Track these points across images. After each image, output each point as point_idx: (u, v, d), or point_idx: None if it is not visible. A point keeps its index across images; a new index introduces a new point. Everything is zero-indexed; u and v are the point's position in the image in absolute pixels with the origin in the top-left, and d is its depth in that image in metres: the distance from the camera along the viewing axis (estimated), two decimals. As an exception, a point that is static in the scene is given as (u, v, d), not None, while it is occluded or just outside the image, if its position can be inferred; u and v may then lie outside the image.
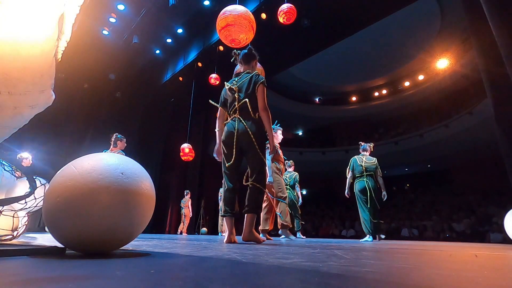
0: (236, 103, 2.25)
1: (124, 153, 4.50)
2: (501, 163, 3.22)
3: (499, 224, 7.62)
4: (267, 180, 3.87)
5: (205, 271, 0.61)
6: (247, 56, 2.44)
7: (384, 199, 4.57)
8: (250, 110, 2.21)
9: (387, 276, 0.60)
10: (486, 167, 12.07)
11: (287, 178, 5.73)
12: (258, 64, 5.22)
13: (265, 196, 4.06)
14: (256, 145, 2.16)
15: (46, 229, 3.93)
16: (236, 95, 2.26)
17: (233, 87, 2.30)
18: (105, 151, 4.43)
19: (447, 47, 12.00)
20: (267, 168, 3.87)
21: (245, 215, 2.17)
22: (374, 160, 4.75)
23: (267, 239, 3.90)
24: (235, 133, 2.19)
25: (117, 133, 4.64)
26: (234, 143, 2.19)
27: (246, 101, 2.22)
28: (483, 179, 12.15)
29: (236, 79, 2.36)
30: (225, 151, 2.26)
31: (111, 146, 4.55)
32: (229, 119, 2.31)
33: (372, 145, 5.00)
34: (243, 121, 2.20)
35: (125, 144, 4.64)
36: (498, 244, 5.95)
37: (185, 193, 9.27)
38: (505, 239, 6.28)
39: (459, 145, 12.28)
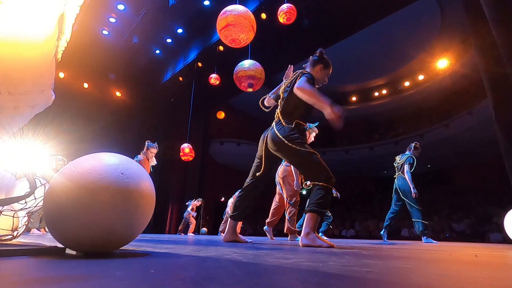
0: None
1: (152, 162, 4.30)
2: (501, 163, 3.21)
3: (499, 224, 7.61)
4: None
5: (205, 271, 0.61)
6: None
7: (414, 195, 4.36)
8: (280, 115, 2.20)
9: (387, 276, 0.60)
10: (486, 167, 12.06)
11: None
12: (258, 65, 5.20)
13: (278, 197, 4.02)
14: (288, 142, 2.03)
15: (46, 229, 3.91)
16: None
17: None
18: (136, 158, 4.23)
19: (447, 47, 11.99)
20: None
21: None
22: (405, 156, 4.57)
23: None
24: (264, 139, 2.22)
25: (148, 140, 4.42)
26: (263, 152, 2.21)
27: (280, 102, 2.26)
28: (483, 179, 12.14)
29: None
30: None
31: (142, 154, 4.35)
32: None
33: (414, 144, 4.78)
34: (274, 127, 2.16)
35: (153, 152, 4.35)
36: (498, 244, 5.95)
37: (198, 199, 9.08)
38: (505, 239, 6.28)
39: (459, 145, 12.27)
